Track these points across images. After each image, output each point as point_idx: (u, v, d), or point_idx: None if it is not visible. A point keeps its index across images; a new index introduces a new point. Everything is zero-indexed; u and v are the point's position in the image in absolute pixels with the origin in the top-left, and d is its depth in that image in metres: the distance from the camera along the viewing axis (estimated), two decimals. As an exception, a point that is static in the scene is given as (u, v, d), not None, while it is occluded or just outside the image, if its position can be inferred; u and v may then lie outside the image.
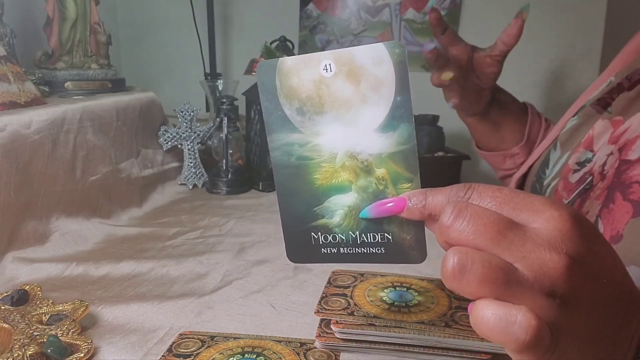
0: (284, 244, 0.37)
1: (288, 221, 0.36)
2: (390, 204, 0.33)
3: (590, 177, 0.51)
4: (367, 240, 0.35)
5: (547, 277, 0.26)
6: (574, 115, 0.61)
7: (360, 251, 0.35)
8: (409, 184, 0.33)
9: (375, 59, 0.32)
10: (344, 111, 0.33)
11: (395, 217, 0.33)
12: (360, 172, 0.34)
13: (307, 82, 0.33)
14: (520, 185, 0.67)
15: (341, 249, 0.36)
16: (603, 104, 0.56)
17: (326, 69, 0.33)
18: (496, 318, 0.26)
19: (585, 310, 0.28)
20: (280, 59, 0.34)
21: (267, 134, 0.35)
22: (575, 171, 0.54)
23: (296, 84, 0.33)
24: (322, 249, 0.36)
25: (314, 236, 0.36)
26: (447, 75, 0.67)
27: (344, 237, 0.35)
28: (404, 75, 0.32)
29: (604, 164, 0.50)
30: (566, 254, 0.27)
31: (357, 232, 0.35)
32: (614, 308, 0.29)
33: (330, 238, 0.35)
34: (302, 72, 0.33)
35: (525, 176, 0.67)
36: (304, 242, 0.36)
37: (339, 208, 0.35)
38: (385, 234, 0.34)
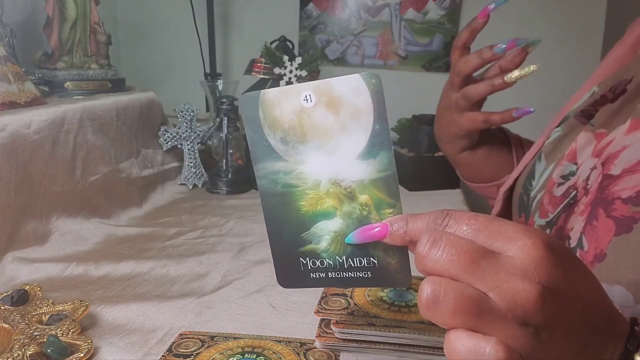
0: (274, 269, 0.37)
1: (277, 247, 0.37)
2: (373, 230, 0.33)
3: (575, 192, 0.51)
4: (354, 264, 0.35)
5: (519, 306, 0.26)
6: (557, 126, 0.60)
7: (347, 275, 0.36)
8: (392, 210, 0.34)
9: (352, 89, 0.33)
10: (326, 140, 0.34)
11: (380, 242, 0.34)
12: (344, 199, 0.35)
13: (289, 112, 0.34)
14: (508, 199, 0.66)
15: (329, 274, 0.36)
16: (587, 115, 0.56)
17: (306, 100, 0.34)
18: (466, 350, 0.27)
19: (560, 338, 0.27)
20: (262, 91, 0.34)
21: (253, 163, 0.36)
22: (559, 184, 0.54)
23: (279, 115, 0.34)
24: (311, 274, 0.37)
25: (302, 261, 0.36)
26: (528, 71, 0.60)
27: (331, 262, 0.36)
28: (381, 104, 0.33)
29: (588, 178, 0.49)
30: (539, 283, 0.27)
31: (344, 257, 0.35)
32: (591, 334, 0.29)
33: (318, 263, 0.36)
34: (284, 103, 0.34)
35: (512, 189, 0.65)
36: (293, 268, 0.37)
37: (325, 234, 0.35)
38: (371, 259, 0.35)
